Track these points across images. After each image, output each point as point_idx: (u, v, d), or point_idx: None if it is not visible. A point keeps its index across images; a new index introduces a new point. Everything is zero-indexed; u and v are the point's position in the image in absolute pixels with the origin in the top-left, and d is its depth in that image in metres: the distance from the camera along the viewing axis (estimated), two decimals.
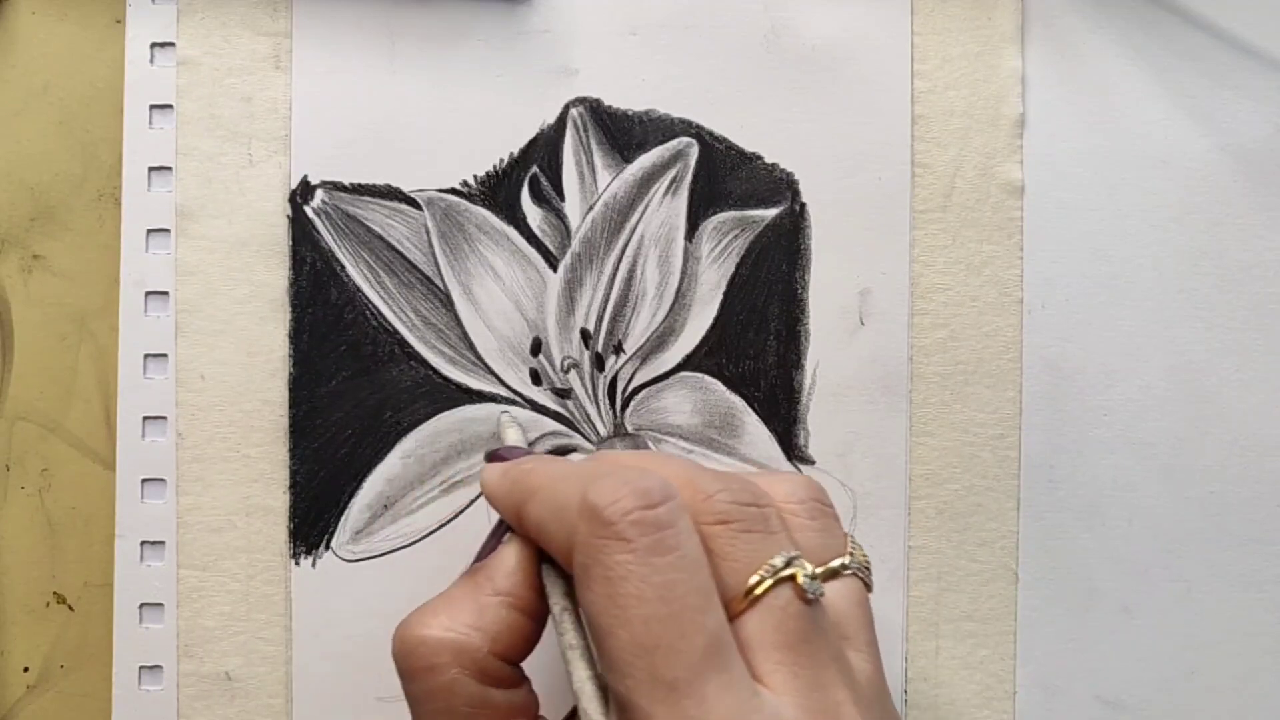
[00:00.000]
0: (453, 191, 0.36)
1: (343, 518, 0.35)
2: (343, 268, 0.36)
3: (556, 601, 0.28)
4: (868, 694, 0.27)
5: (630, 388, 0.36)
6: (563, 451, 0.36)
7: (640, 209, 0.36)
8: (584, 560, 0.25)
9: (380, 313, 0.36)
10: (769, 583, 0.25)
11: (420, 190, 0.36)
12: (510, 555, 0.28)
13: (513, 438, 0.34)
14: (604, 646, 0.25)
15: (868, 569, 0.29)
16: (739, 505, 0.27)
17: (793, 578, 0.26)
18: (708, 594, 0.25)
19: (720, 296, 0.36)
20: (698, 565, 0.25)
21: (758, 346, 0.36)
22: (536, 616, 0.28)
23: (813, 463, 0.36)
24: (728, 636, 0.25)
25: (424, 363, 0.36)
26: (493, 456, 0.32)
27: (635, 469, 0.26)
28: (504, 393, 0.36)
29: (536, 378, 0.36)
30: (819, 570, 0.27)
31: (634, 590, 0.24)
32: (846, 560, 0.28)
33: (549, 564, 0.28)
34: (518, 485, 0.28)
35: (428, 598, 0.35)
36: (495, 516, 0.30)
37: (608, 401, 0.36)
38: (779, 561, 0.26)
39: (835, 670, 0.26)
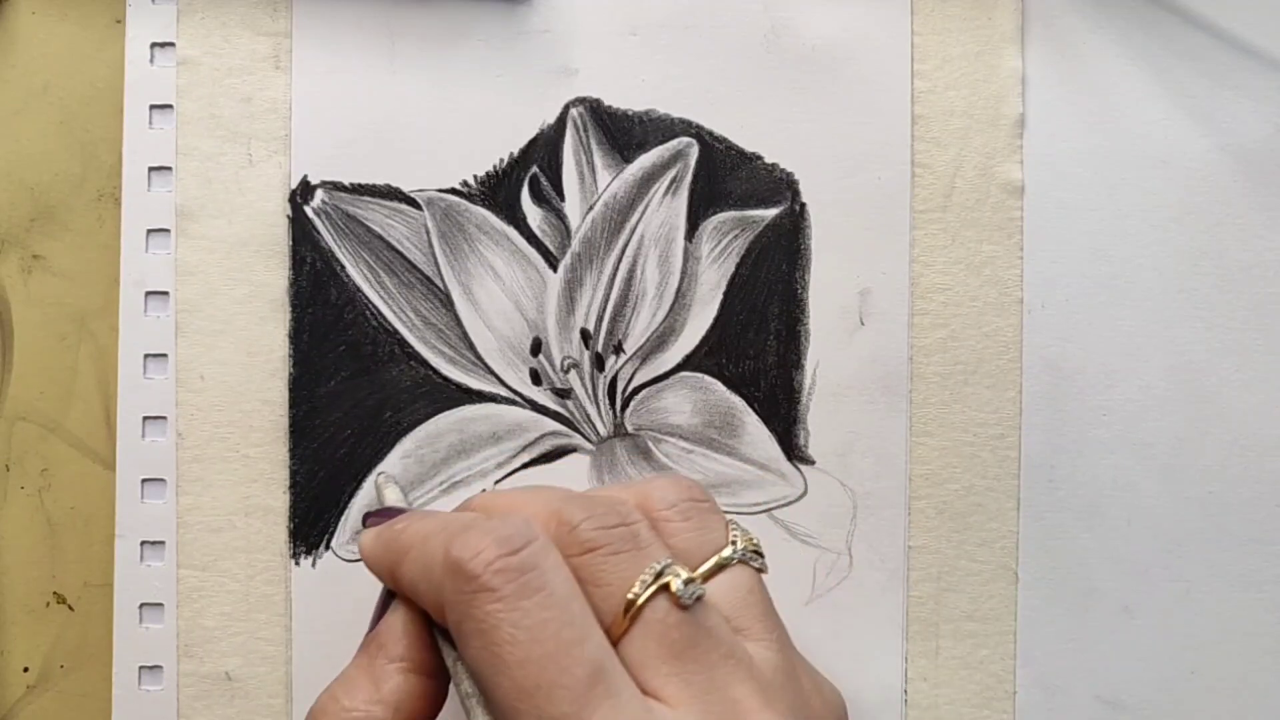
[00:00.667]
0: (453, 191, 0.36)
1: (343, 518, 0.35)
2: (343, 268, 0.36)
3: (449, 654, 0.28)
4: (774, 682, 0.27)
5: (630, 388, 0.36)
6: (562, 452, 0.36)
7: (640, 209, 0.36)
8: (456, 616, 0.25)
9: (380, 313, 0.36)
10: (644, 597, 0.26)
11: (420, 190, 0.36)
12: (398, 619, 0.28)
13: (391, 498, 0.34)
14: (491, 697, 0.25)
15: (756, 553, 0.29)
16: (604, 530, 0.27)
17: (666, 586, 0.26)
18: (583, 625, 0.25)
19: (720, 296, 0.36)
20: (568, 599, 0.25)
21: (758, 346, 0.36)
22: (436, 675, 0.28)
23: (813, 463, 0.36)
24: (611, 662, 0.25)
25: (424, 363, 0.36)
26: (369, 518, 0.32)
27: (498, 516, 0.27)
28: (504, 393, 0.36)
29: (536, 378, 0.36)
30: (697, 572, 0.27)
31: (507, 637, 0.24)
32: (728, 552, 0.28)
33: (433, 622, 0.28)
34: (390, 548, 0.28)
35: None
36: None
37: (608, 401, 0.36)
38: (648, 576, 0.26)
39: (730, 668, 0.26)
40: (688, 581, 0.26)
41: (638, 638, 0.26)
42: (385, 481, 0.34)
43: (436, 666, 0.28)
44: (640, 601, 0.26)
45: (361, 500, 0.35)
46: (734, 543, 0.28)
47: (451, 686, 0.28)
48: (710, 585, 0.27)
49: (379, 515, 0.32)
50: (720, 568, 0.28)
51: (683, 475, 0.31)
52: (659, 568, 0.26)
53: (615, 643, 0.26)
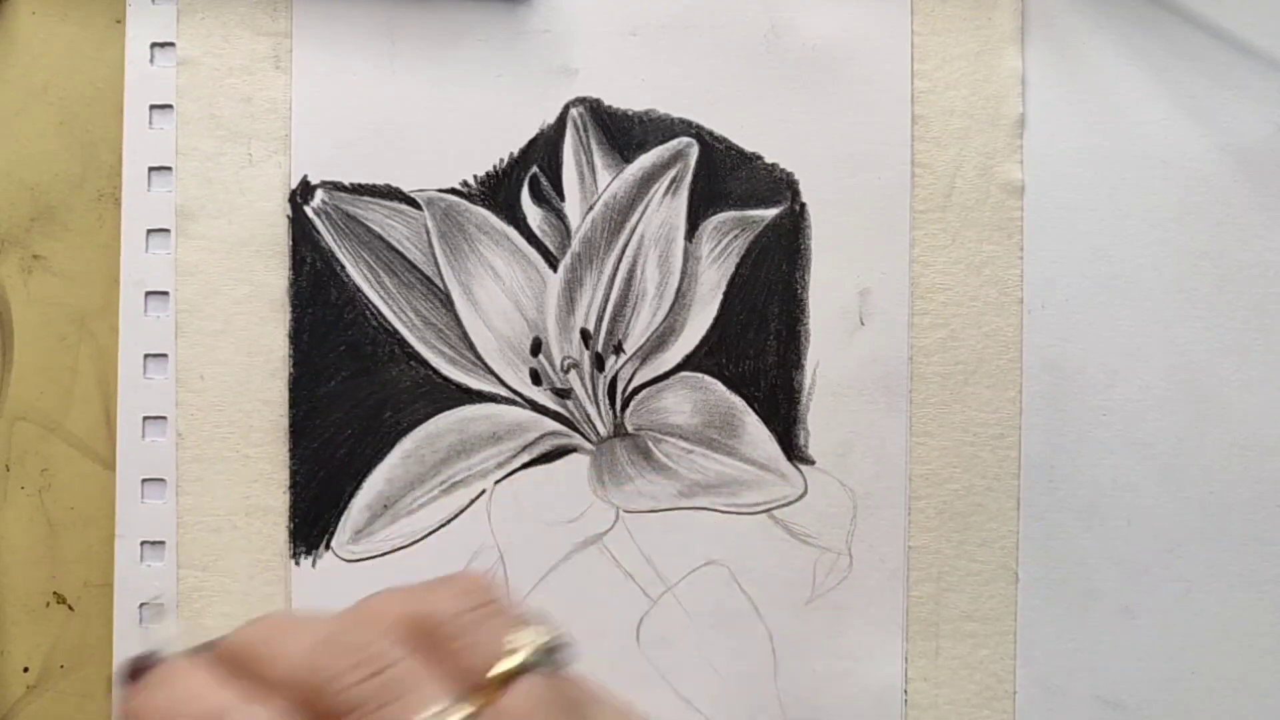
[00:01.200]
0: (453, 191, 0.36)
1: (343, 518, 0.35)
2: (343, 268, 0.36)
3: None
4: None
5: (630, 388, 0.36)
6: (562, 452, 0.36)
7: (640, 209, 0.36)
8: None
9: (380, 313, 0.36)
10: None
11: (420, 190, 0.36)
12: None
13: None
14: None
15: (548, 650, 0.24)
16: (358, 685, 0.23)
17: None
18: None
19: (720, 296, 0.36)
20: None
21: (758, 346, 0.36)
22: None
23: (813, 463, 0.36)
24: None
25: (424, 363, 0.36)
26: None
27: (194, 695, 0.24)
28: (504, 393, 0.36)
29: (536, 378, 0.36)
30: (462, 713, 0.23)
31: None
32: (515, 661, 0.24)
33: None
34: None
35: None
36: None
37: (608, 401, 0.36)
38: None
39: None
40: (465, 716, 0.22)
41: None
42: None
43: None
44: None
45: (362, 500, 0.35)
46: (513, 650, 0.24)
47: None
48: (507, 700, 0.23)
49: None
50: (512, 677, 0.23)
51: (464, 574, 0.26)
52: (433, 713, 0.22)
53: None
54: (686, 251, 0.36)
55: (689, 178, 0.36)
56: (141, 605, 0.35)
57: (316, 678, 0.23)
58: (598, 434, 0.36)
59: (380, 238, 0.36)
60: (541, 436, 0.36)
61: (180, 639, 0.28)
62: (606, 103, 0.36)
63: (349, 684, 0.23)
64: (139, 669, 0.26)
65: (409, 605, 0.25)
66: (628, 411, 0.36)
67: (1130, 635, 0.36)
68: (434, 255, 0.36)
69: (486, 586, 0.25)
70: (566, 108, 0.36)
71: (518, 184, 0.36)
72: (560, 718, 0.23)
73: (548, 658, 0.24)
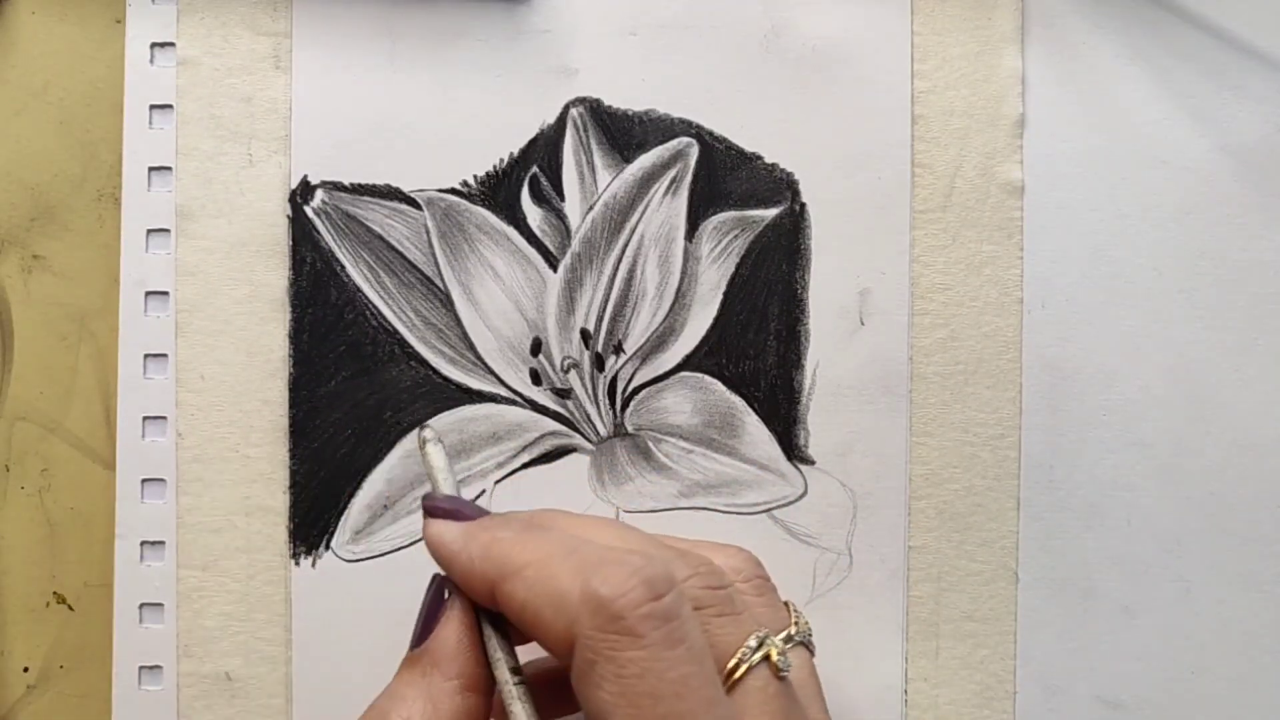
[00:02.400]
0: (453, 191, 0.36)
1: (343, 518, 0.35)
2: (343, 268, 0.36)
3: (505, 678, 0.27)
4: None
5: (630, 388, 0.36)
6: (562, 452, 0.36)
7: (640, 209, 0.36)
8: (590, 656, 0.24)
9: (380, 313, 0.36)
10: (747, 665, 0.25)
11: (420, 190, 0.36)
12: (453, 633, 0.27)
13: (439, 463, 0.30)
14: None
15: (810, 635, 0.29)
16: (710, 590, 0.26)
17: (768, 656, 0.26)
18: (716, 683, 0.24)
19: (720, 296, 0.36)
20: (704, 654, 0.24)
21: (758, 346, 0.36)
22: (488, 692, 0.27)
23: (813, 463, 0.36)
24: None
25: (424, 363, 0.36)
26: (435, 508, 0.29)
27: (636, 552, 0.25)
28: (504, 393, 0.36)
29: (536, 378, 0.36)
30: (784, 646, 0.27)
31: (649, 689, 0.23)
32: (792, 631, 0.29)
33: (494, 636, 0.27)
34: (490, 556, 0.26)
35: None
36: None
37: (608, 401, 0.36)
38: (753, 643, 0.26)
39: None
40: (784, 652, 0.26)
41: (737, 702, 0.25)
42: (431, 443, 0.30)
43: (488, 683, 0.27)
44: (744, 669, 0.25)
45: (362, 500, 0.35)
46: (796, 623, 0.29)
47: (499, 703, 0.27)
48: (794, 656, 0.28)
49: (454, 505, 0.28)
50: (790, 646, 0.28)
51: (743, 548, 0.30)
52: (761, 636, 0.26)
53: None
54: (686, 251, 0.36)
55: (689, 178, 0.36)
56: (141, 605, 0.35)
57: (673, 571, 0.26)
58: (598, 434, 0.36)
59: (380, 238, 0.36)
60: (541, 436, 0.36)
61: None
62: (606, 103, 0.36)
63: (704, 585, 0.26)
64: (450, 506, 0.28)
65: (706, 552, 0.28)
66: (628, 411, 0.36)
67: (1130, 635, 0.36)
68: (434, 255, 0.36)
69: (762, 564, 0.30)
70: (566, 108, 0.36)
71: (518, 184, 0.36)
72: (816, 688, 0.28)
73: (809, 638, 0.29)
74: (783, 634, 0.28)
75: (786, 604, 0.30)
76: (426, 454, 0.30)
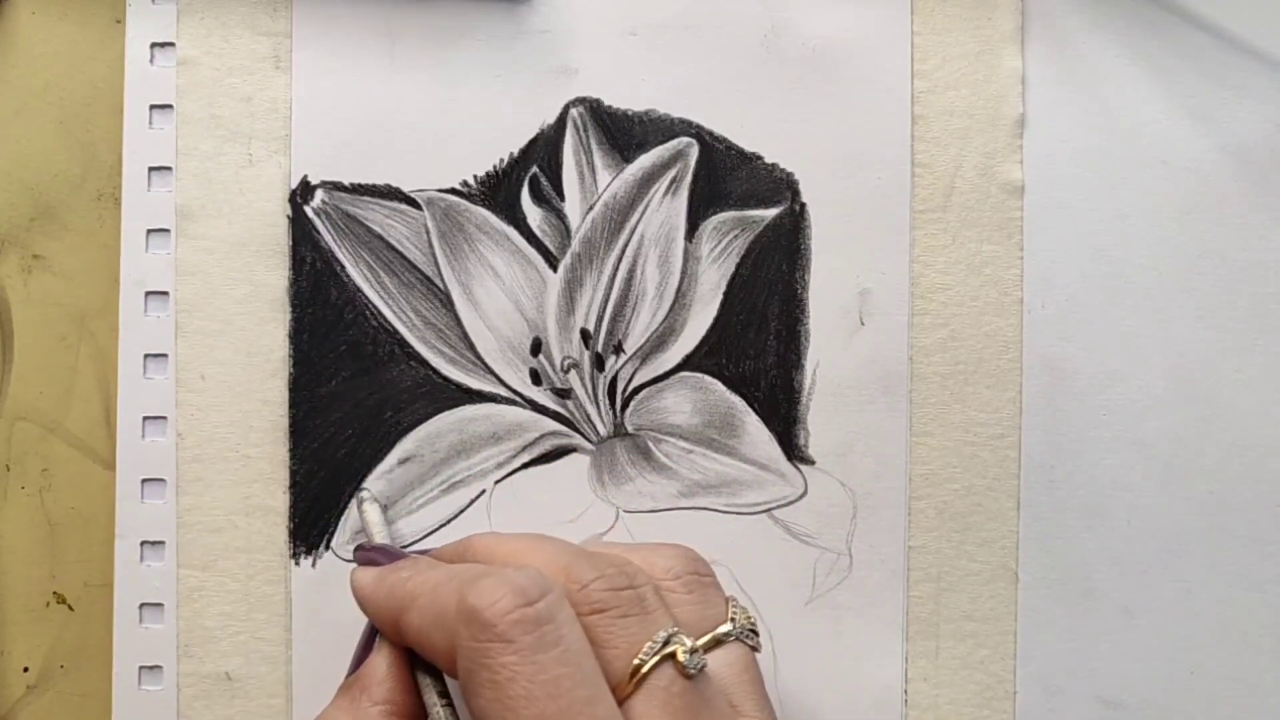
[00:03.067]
0: (453, 191, 0.36)
1: (343, 518, 0.35)
2: (343, 268, 0.36)
3: (432, 702, 0.28)
4: None
5: (630, 388, 0.36)
6: (562, 452, 0.36)
7: (640, 209, 0.36)
8: (469, 665, 0.25)
9: (380, 313, 0.36)
10: (651, 663, 0.26)
11: (420, 190, 0.36)
12: (382, 662, 0.29)
13: (374, 519, 0.34)
14: None
15: (752, 632, 0.29)
16: (614, 591, 0.27)
17: (673, 655, 0.26)
18: (595, 683, 0.25)
19: (720, 296, 0.36)
20: (582, 656, 0.25)
21: (758, 346, 0.36)
22: (417, 718, 0.29)
23: (813, 463, 0.36)
24: None
25: (424, 363, 0.36)
26: (363, 556, 0.32)
27: (511, 565, 0.27)
28: (504, 393, 0.36)
29: (536, 378, 0.36)
30: (699, 643, 0.27)
31: (522, 691, 0.24)
32: (728, 628, 0.29)
33: (420, 664, 0.29)
34: (394, 595, 0.28)
35: None
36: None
37: (608, 401, 0.36)
38: (655, 642, 0.26)
39: None
40: (693, 652, 0.26)
41: (641, 703, 0.26)
42: (368, 502, 0.35)
43: (417, 710, 0.28)
44: (647, 668, 0.26)
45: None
46: (733, 619, 0.29)
47: None
48: (710, 657, 0.28)
49: (374, 552, 0.32)
50: (718, 642, 0.28)
51: (685, 546, 0.31)
52: (666, 635, 0.26)
53: (620, 704, 0.26)
54: (686, 251, 0.36)
55: (689, 178, 0.36)
56: (141, 605, 0.35)
57: (577, 574, 0.27)
58: (598, 434, 0.36)
59: (380, 238, 0.36)
60: (541, 436, 0.36)
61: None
62: (606, 103, 0.36)
63: (607, 587, 0.27)
64: (375, 554, 0.31)
65: (641, 554, 0.29)
66: (628, 411, 0.36)
67: (1130, 635, 0.36)
68: (434, 255, 0.36)
69: (701, 560, 0.30)
70: (566, 108, 0.36)
71: (518, 184, 0.36)
72: (753, 686, 0.28)
73: (750, 635, 0.29)
74: (710, 634, 0.28)
75: (728, 600, 0.30)
76: (363, 511, 0.35)
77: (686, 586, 0.29)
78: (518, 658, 0.24)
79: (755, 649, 0.29)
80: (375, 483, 0.36)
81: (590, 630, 0.26)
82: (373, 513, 0.34)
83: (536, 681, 0.24)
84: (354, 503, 0.35)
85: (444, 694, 0.29)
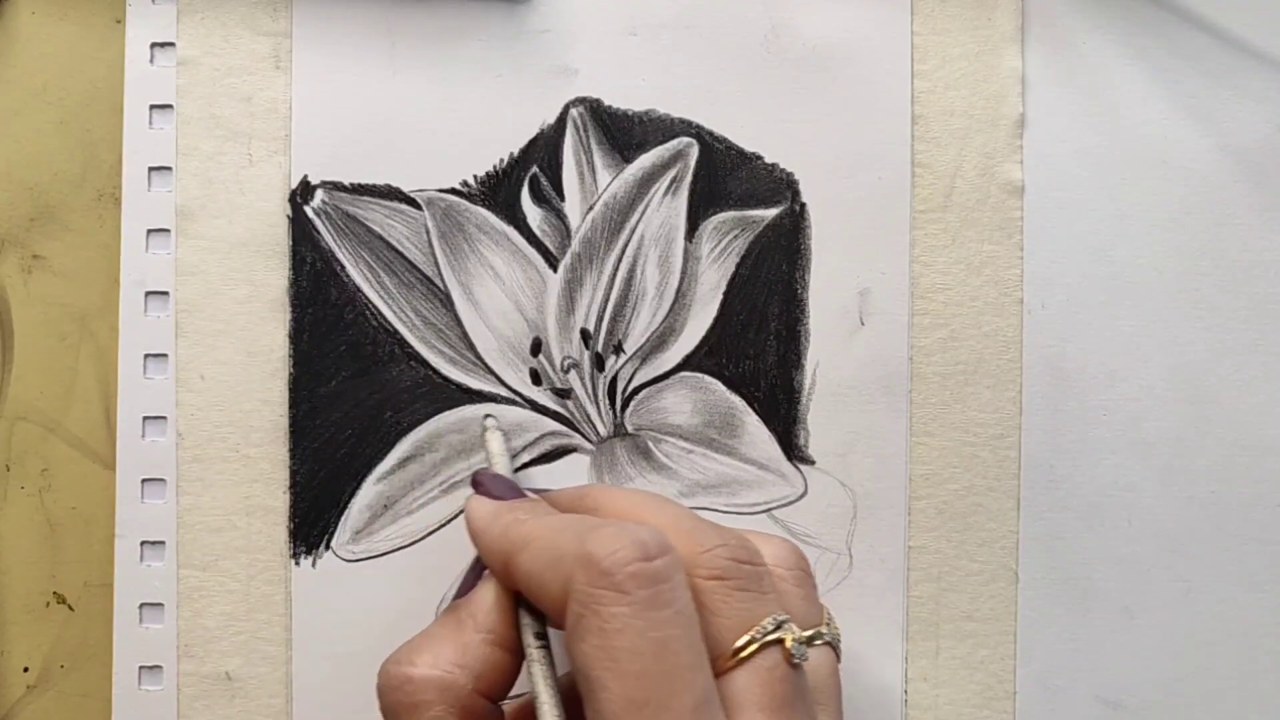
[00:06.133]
0: (453, 191, 0.36)
1: (343, 518, 0.35)
2: (343, 268, 0.36)
3: (529, 642, 0.28)
4: None
5: (630, 388, 0.36)
6: (562, 452, 0.36)
7: (640, 209, 0.36)
8: (579, 610, 0.25)
9: (380, 313, 0.36)
10: (762, 642, 0.26)
11: (420, 190, 0.36)
12: (489, 592, 0.29)
13: (496, 448, 0.34)
14: (594, 698, 0.25)
15: (839, 640, 0.30)
16: (736, 563, 0.27)
17: (781, 641, 0.26)
18: (699, 651, 0.25)
19: (720, 296, 0.36)
20: (691, 622, 0.25)
21: (758, 346, 0.36)
22: (517, 653, 0.29)
23: (813, 463, 0.36)
24: (715, 696, 0.25)
25: (424, 363, 0.36)
26: (480, 486, 0.32)
27: (633, 520, 0.27)
28: (504, 393, 0.36)
29: (536, 378, 0.36)
30: (804, 635, 0.28)
31: (628, 644, 0.24)
32: (823, 630, 0.29)
33: (524, 604, 0.29)
34: (508, 535, 0.28)
35: (428, 597, 0.35)
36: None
37: (608, 401, 0.36)
38: (770, 624, 0.26)
39: None
40: (801, 643, 0.26)
41: (742, 680, 0.26)
42: (492, 430, 0.34)
43: (518, 645, 0.29)
44: (755, 646, 0.26)
45: (362, 500, 0.35)
46: (829, 624, 0.29)
47: (524, 668, 0.29)
48: (819, 655, 0.28)
49: (493, 484, 0.32)
50: (813, 641, 0.28)
51: (790, 540, 0.31)
52: (779, 620, 0.26)
53: (716, 676, 0.26)
54: (686, 251, 0.36)
55: (689, 178, 0.36)
56: (141, 605, 0.35)
57: (701, 538, 0.27)
58: (598, 434, 0.36)
59: (380, 238, 0.36)
60: (541, 436, 0.36)
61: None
62: (606, 103, 0.36)
63: (730, 556, 0.27)
64: (494, 485, 0.32)
65: (751, 538, 0.29)
66: (628, 411, 0.36)
67: (1130, 635, 0.36)
68: (434, 255, 0.36)
69: (807, 560, 0.30)
70: (566, 108, 0.36)
71: (518, 184, 0.36)
72: (836, 691, 0.29)
73: (839, 645, 0.30)
74: (811, 630, 0.28)
75: (824, 606, 0.30)
76: (486, 439, 0.34)
77: (796, 580, 0.29)
78: (630, 610, 0.24)
79: (839, 657, 0.29)
80: (375, 483, 0.36)
81: (703, 595, 0.26)
82: (495, 441, 0.34)
83: (645, 637, 0.24)
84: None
85: (541, 635, 0.28)
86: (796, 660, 0.26)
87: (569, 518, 0.28)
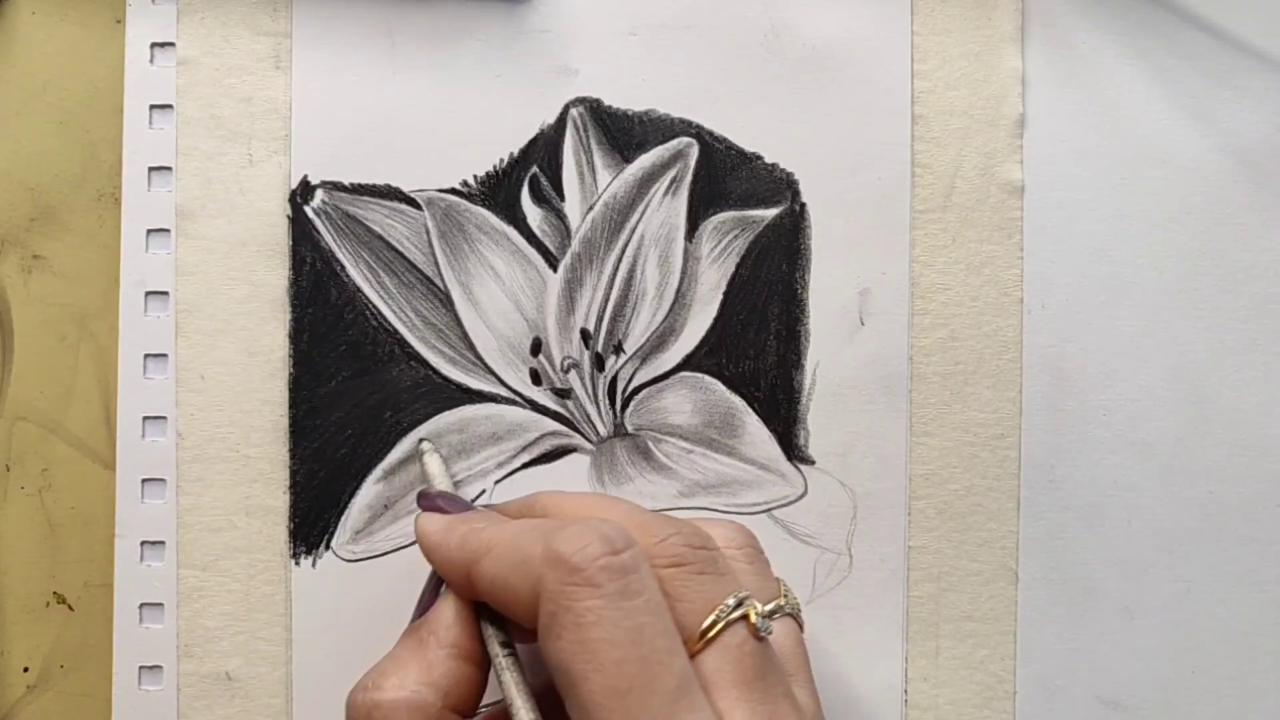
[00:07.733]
0: (453, 191, 0.36)
1: (343, 518, 0.35)
2: (343, 268, 0.36)
3: (496, 651, 0.29)
4: None
5: (630, 388, 0.36)
6: (562, 452, 0.36)
7: (640, 209, 0.36)
8: (552, 609, 0.25)
9: (380, 313, 0.36)
10: (724, 622, 0.26)
11: (420, 190, 0.36)
12: (449, 607, 0.29)
13: (436, 469, 0.34)
14: (576, 692, 0.25)
15: (799, 610, 0.30)
16: (691, 548, 0.27)
17: (745, 617, 0.27)
18: (673, 636, 0.26)
19: (720, 296, 0.36)
20: (661, 609, 0.26)
21: (758, 346, 0.36)
22: (481, 664, 0.29)
23: (813, 463, 0.36)
24: (693, 676, 0.25)
25: (424, 363, 0.36)
26: (427, 503, 0.32)
27: (597, 519, 0.27)
28: (504, 393, 0.36)
29: (536, 378, 0.36)
30: (766, 609, 0.28)
31: (605, 635, 0.25)
32: (782, 602, 0.29)
33: (486, 614, 0.29)
34: (466, 544, 0.29)
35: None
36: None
37: (608, 401, 0.36)
38: (731, 602, 0.27)
39: (788, 705, 0.27)
40: (765, 615, 0.27)
41: (712, 659, 0.26)
42: (429, 453, 0.35)
43: (482, 656, 0.29)
44: (721, 625, 0.26)
45: (362, 500, 0.35)
46: (786, 595, 0.30)
47: (492, 676, 0.29)
48: (779, 626, 0.29)
49: (439, 501, 0.32)
50: (775, 614, 0.29)
51: (736, 522, 0.32)
52: (740, 597, 0.27)
53: (689, 659, 0.26)
54: (686, 251, 0.36)
55: (689, 178, 0.36)
56: (141, 605, 0.35)
57: (655, 529, 0.28)
58: (598, 434, 0.36)
59: (380, 238, 0.36)
60: (541, 436, 0.36)
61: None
62: (606, 103, 0.36)
63: (685, 543, 0.27)
64: (440, 502, 0.32)
65: (700, 525, 0.29)
66: (628, 411, 0.36)
67: (1130, 635, 0.36)
68: (434, 255, 0.36)
69: (755, 537, 0.31)
70: (566, 108, 0.36)
71: (518, 184, 0.36)
72: (803, 659, 0.29)
73: (799, 614, 0.30)
74: (771, 603, 0.29)
75: (779, 580, 0.30)
76: (424, 461, 0.34)
77: (748, 558, 0.30)
78: (604, 602, 0.25)
79: (801, 626, 0.30)
80: (375, 483, 0.36)
81: (665, 583, 0.27)
82: (434, 463, 0.34)
83: (621, 627, 0.25)
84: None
85: (507, 644, 0.29)
86: (762, 634, 0.27)
87: (527, 522, 0.29)
